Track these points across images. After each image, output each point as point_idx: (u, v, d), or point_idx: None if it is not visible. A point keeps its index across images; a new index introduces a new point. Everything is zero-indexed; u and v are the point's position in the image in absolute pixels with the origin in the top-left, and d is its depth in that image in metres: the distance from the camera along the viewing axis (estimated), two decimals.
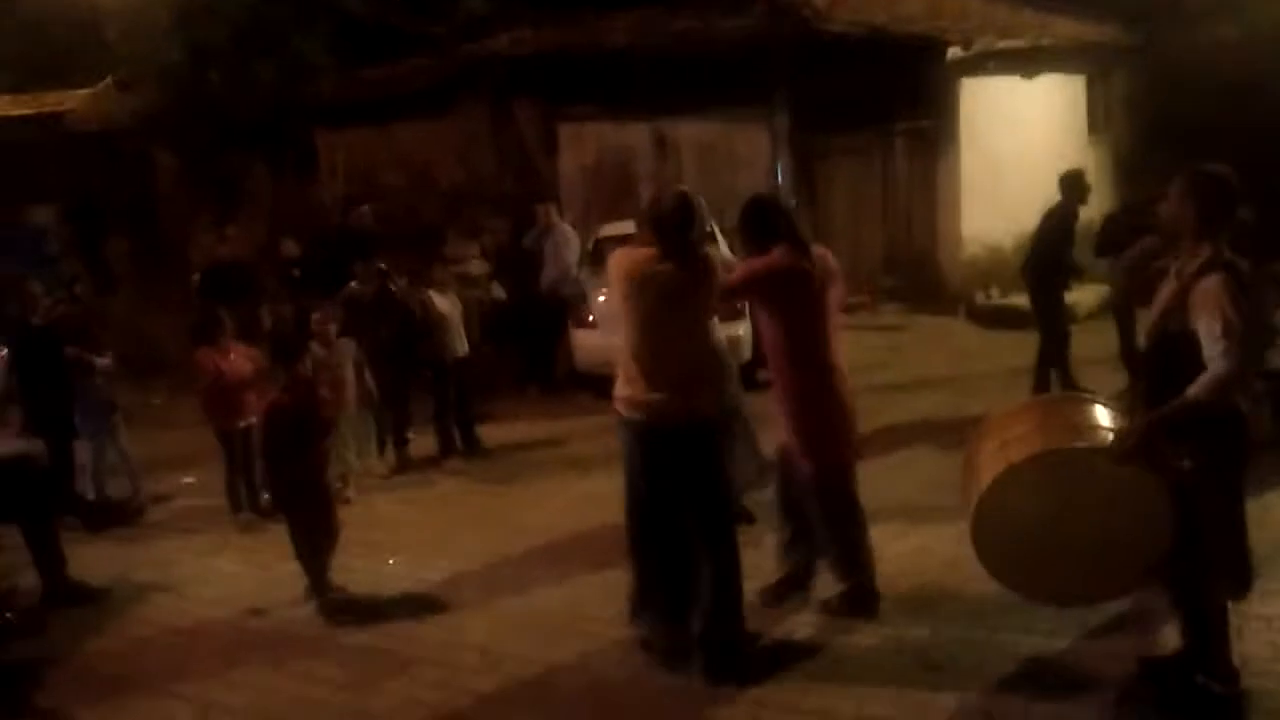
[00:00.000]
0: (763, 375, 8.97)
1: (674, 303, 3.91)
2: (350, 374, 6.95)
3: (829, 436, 4.23)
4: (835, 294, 4.28)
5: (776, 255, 4.15)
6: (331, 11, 11.92)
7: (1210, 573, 3.33)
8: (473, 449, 7.66)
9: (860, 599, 4.33)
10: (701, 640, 4.01)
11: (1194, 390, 3.17)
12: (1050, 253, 7.67)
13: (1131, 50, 12.86)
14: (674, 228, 3.92)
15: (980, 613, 4.27)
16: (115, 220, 13.49)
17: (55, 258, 11.51)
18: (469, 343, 7.77)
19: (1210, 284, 3.20)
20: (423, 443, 7.69)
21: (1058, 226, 7.65)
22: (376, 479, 7.20)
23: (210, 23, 12.13)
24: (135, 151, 13.97)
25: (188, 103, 12.37)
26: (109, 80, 14.01)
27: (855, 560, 4.33)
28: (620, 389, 4.02)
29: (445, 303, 7.56)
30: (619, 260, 4.06)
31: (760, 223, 4.27)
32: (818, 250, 4.28)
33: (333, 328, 6.88)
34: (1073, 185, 7.70)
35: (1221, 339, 3.14)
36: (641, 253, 4.00)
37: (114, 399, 6.93)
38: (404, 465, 7.44)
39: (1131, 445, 3.24)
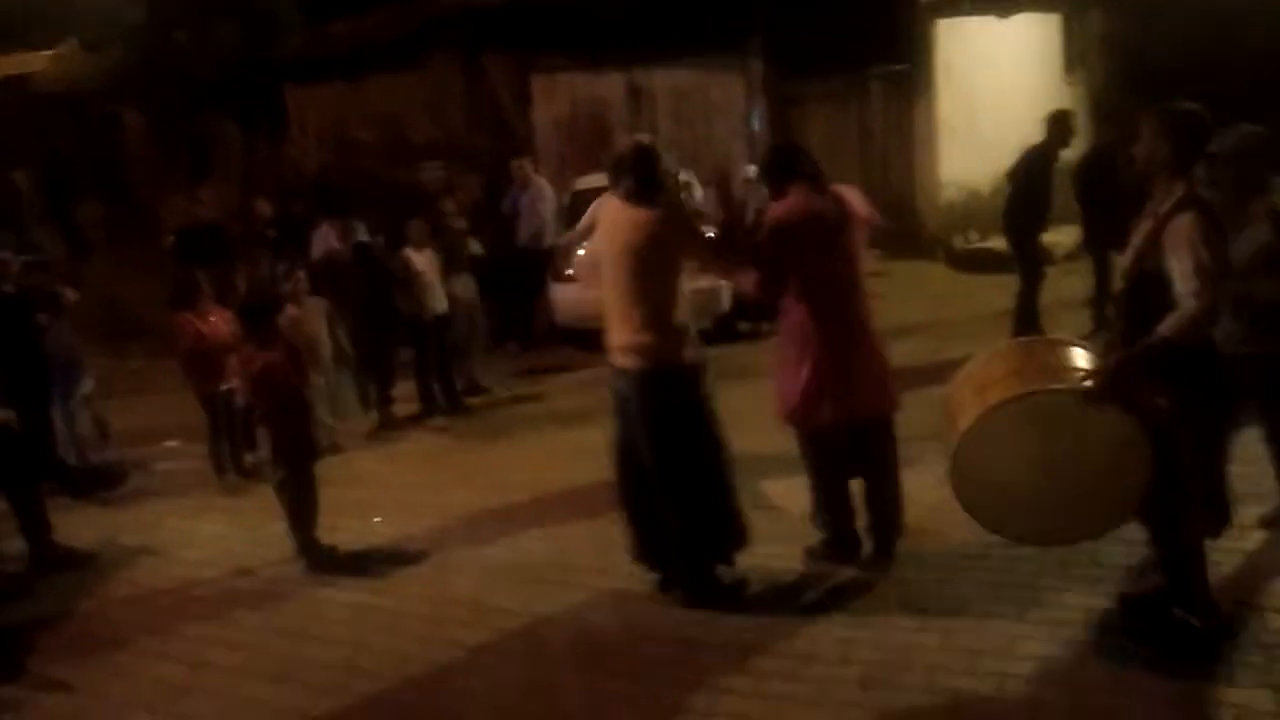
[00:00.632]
0: (744, 326, 9.07)
1: (635, 250, 3.98)
2: (323, 332, 6.91)
3: (815, 397, 4.16)
4: (862, 235, 4.22)
5: (789, 202, 4.11)
6: None
7: (1187, 510, 3.36)
8: (455, 406, 7.67)
9: (841, 545, 4.38)
10: (673, 575, 4.20)
11: (1163, 329, 3.17)
12: (1027, 193, 7.65)
13: None
14: (629, 175, 4.02)
15: (962, 555, 4.33)
16: (85, 183, 13.27)
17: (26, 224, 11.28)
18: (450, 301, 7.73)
19: (1182, 222, 3.20)
20: (407, 401, 7.68)
21: (1035, 166, 7.63)
22: (359, 437, 7.21)
23: None
24: (103, 113, 13.72)
25: (154, 62, 12.13)
26: (73, 41, 13.71)
27: (834, 508, 4.36)
28: (607, 339, 4.14)
29: (422, 260, 7.52)
30: (594, 207, 4.25)
31: (778, 168, 4.24)
32: (839, 189, 4.24)
33: (303, 286, 6.85)
34: (1056, 125, 7.68)
35: (1193, 277, 3.13)
36: (613, 203, 4.12)
37: (81, 359, 6.87)
38: (388, 423, 7.45)
39: (1103, 385, 3.23)
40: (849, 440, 4.21)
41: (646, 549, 4.31)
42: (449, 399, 7.67)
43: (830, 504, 4.35)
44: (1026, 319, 7.65)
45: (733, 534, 4.24)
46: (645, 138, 4.24)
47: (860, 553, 4.38)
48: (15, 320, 6.23)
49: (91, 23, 12.97)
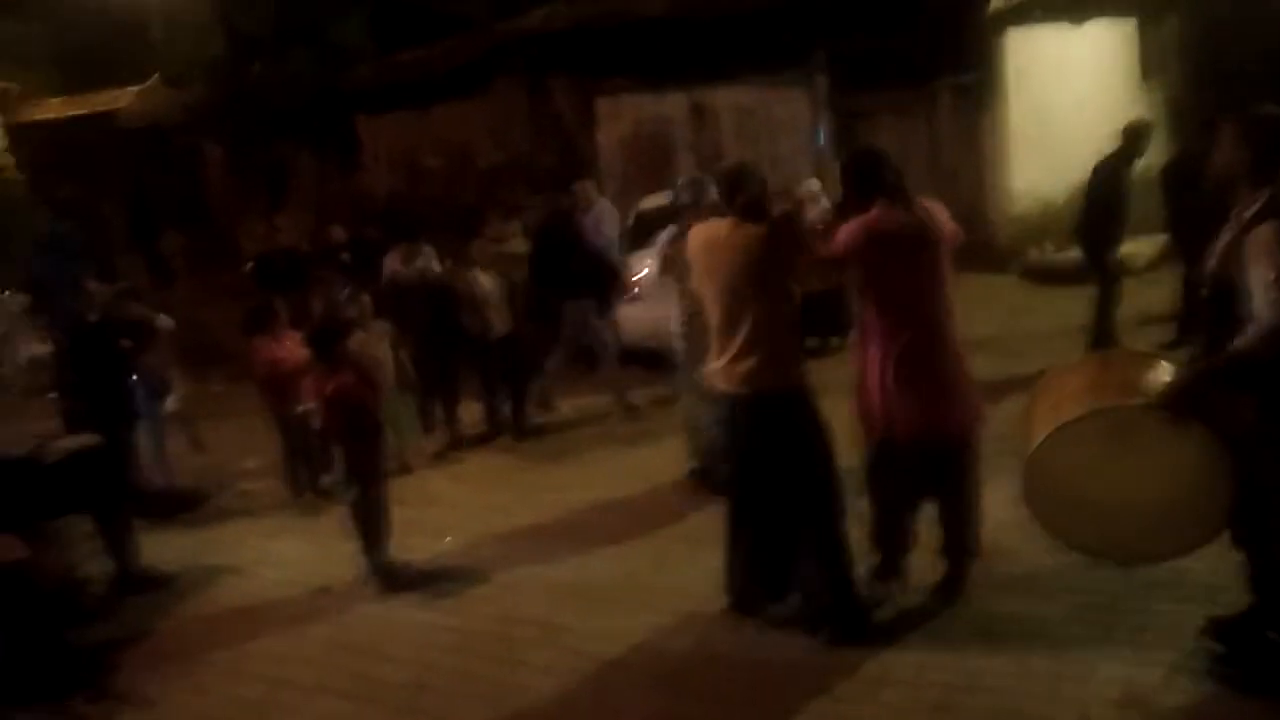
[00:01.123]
0: (812, 342, 8.94)
1: (743, 269, 3.93)
2: (387, 354, 7.01)
3: (883, 414, 4.05)
4: (946, 253, 4.05)
5: (872, 216, 3.97)
6: None
7: (1275, 529, 3.22)
8: (521, 428, 7.72)
9: (884, 567, 4.26)
10: (823, 609, 4.03)
11: (1240, 342, 3.07)
12: (1103, 205, 7.49)
13: None
14: (727, 195, 4.03)
15: (1039, 575, 4.21)
16: (168, 213, 13.76)
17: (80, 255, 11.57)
18: (515, 322, 7.79)
19: (1263, 232, 3.08)
20: (473, 421, 7.76)
21: (1110, 177, 7.47)
22: (427, 458, 7.30)
23: (250, 14, 12.26)
24: (185, 146, 14.21)
25: (232, 95, 12.54)
26: (156, 77, 14.26)
27: (888, 530, 4.24)
28: (711, 364, 4.10)
29: (487, 281, 7.60)
30: (694, 237, 4.17)
31: (861, 178, 4.09)
32: (925, 204, 4.08)
33: (368, 309, 6.97)
34: (1131, 136, 7.52)
35: (1272, 288, 3.01)
36: (713, 225, 4.09)
37: (167, 381, 7.07)
38: (455, 444, 7.53)
39: (1177, 401, 3.14)
40: (924, 460, 4.08)
41: (761, 581, 4.18)
42: (517, 420, 7.72)
43: (886, 525, 4.21)
44: (1103, 332, 7.49)
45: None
46: (739, 159, 4.26)
47: (901, 579, 4.25)
48: (101, 347, 6.46)
49: (174, 59, 13.48)
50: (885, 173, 4.06)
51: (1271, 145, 3.20)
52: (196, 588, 5.48)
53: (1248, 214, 3.18)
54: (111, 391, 6.30)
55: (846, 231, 4.01)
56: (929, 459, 4.07)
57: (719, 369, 4.04)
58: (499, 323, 7.59)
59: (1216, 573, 3.74)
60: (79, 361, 6.40)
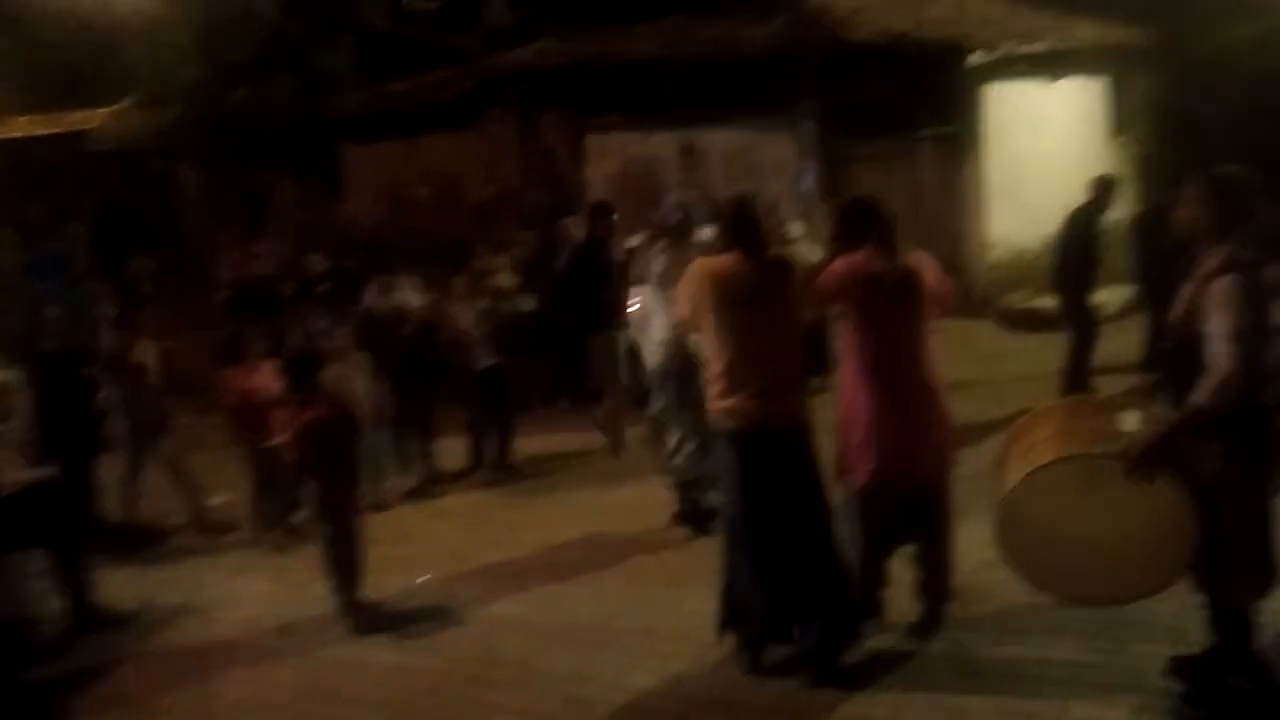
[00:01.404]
0: None
1: (759, 303, 3.95)
2: (362, 388, 6.86)
3: (860, 455, 4.09)
4: (928, 305, 4.15)
5: (859, 258, 4.08)
6: (354, 26, 11.95)
7: (1236, 573, 3.32)
8: (506, 462, 7.59)
9: (862, 609, 4.22)
10: (815, 649, 3.98)
11: (1197, 396, 3.18)
12: (1076, 253, 7.77)
13: (1152, 51, 12.80)
14: (732, 230, 4.08)
15: (1012, 616, 4.24)
16: (139, 238, 13.53)
17: (78, 278, 11.51)
18: (500, 356, 7.69)
19: (1222, 284, 3.21)
20: (453, 456, 7.62)
21: (1081, 228, 7.79)
22: (400, 495, 7.14)
23: (233, 39, 12.18)
24: (158, 169, 14.04)
25: (211, 119, 12.42)
26: (130, 99, 14.11)
27: (863, 573, 4.22)
28: (713, 400, 4.04)
29: (468, 314, 7.52)
30: (699, 270, 4.08)
31: (854, 222, 4.21)
32: (913, 258, 4.18)
33: (346, 342, 6.85)
34: (1103, 188, 7.92)
35: (1225, 341, 3.14)
36: (720, 259, 4.06)
37: (161, 415, 6.88)
38: (433, 480, 7.38)
39: (1141, 457, 3.25)
40: (900, 503, 4.16)
41: (750, 614, 4.09)
42: (503, 454, 7.59)
43: (864, 565, 4.22)
44: (1077, 378, 7.71)
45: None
46: (742, 192, 4.30)
47: (877, 619, 4.26)
48: (57, 376, 6.27)
49: (149, 80, 13.33)
50: (878, 221, 4.19)
51: (1230, 203, 3.33)
52: (156, 627, 5.27)
53: (1208, 268, 3.30)
54: (68, 422, 6.11)
55: (833, 271, 4.13)
56: (906, 500, 4.16)
57: (734, 406, 3.95)
58: (481, 356, 7.48)
59: (1181, 614, 3.80)
60: (37, 390, 6.22)
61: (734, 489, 4.04)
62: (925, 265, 4.21)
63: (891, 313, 4.08)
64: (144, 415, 6.69)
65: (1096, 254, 7.77)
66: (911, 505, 4.17)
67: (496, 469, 7.52)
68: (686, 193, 4.97)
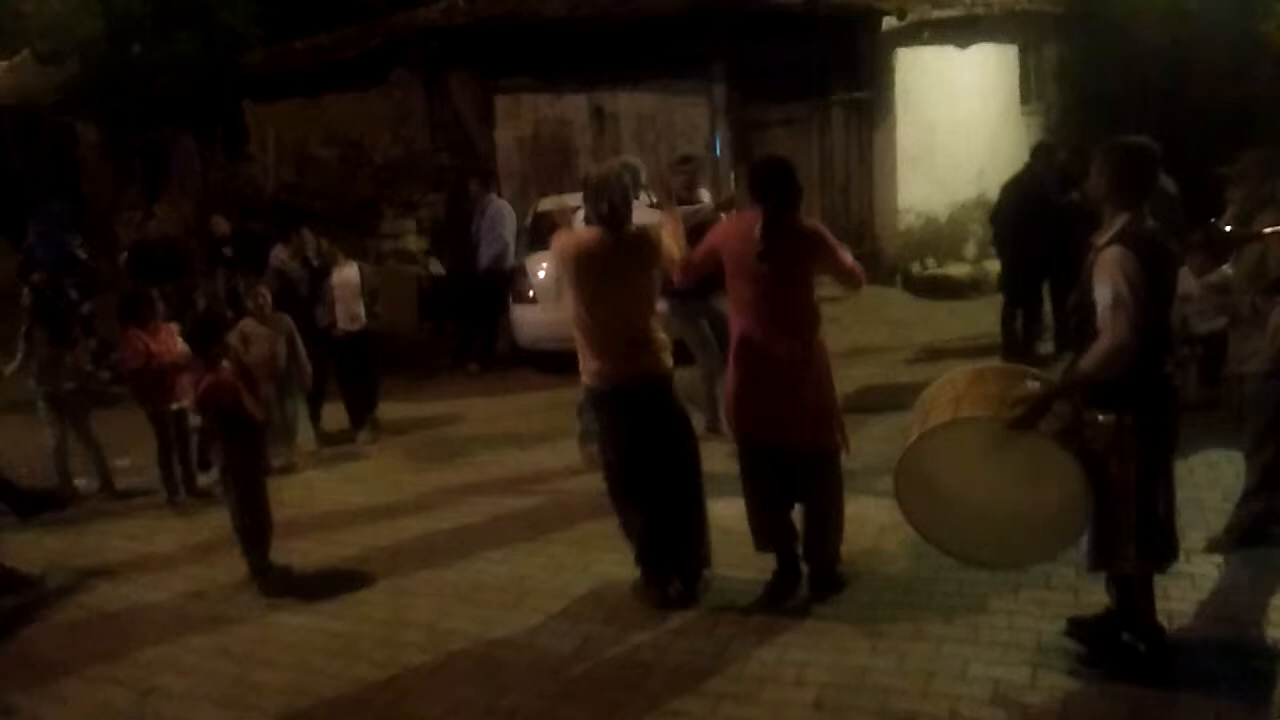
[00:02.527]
0: None
1: (614, 274, 4.20)
2: (283, 348, 6.81)
3: (731, 414, 4.38)
4: (806, 274, 4.18)
5: (736, 221, 4.22)
6: None
7: (1126, 540, 3.37)
8: (359, 423, 7.61)
9: (781, 572, 4.39)
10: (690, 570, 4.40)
11: (1084, 363, 3.26)
12: (1028, 217, 7.83)
13: (1063, 20, 13.04)
14: (592, 203, 4.27)
15: (916, 577, 4.39)
16: (38, 197, 13.04)
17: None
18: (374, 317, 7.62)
19: (1110, 254, 3.27)
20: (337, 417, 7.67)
21: (1032, 191, 7.88)
22: (306, 457, 7.13)
23: None
24: (55, 126, 13.51)
25: (109, 75, 11.95)
26: (26, 52, 13.51)
27: (764, 530, 4.38)
28: (581, 362, 4.35)
29: (339, 276, 7.40)
30: (558, 243, 4.37)
31: (760, 182, 4.19)
32: (811, 227, 4.19)
33: (265, 302, 6.76)
34: (1044, 152, 8.16)
35: (1110, 310, 3.20)
36: (578, 233, 4.32)
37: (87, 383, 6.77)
38: (320, 440, 7.43)
39: (1025, 417, 3.30)
40: (782, 465, 4.21)
41: (663, 555, 4.42)
42: (361, 414, 7.64)
43: (758, 524, 4.35)
44: (1016, 344, 8.01)
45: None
46: (610, 162, 4.44)
47: (791, 575, 4.36)
48: None
49: (46, 35, 12.78)
50: (783, 182, 4.18)
51: (1131, 173, 3.38)
52: (63, 591, 5.21)
53: (1103, 238, 3.37)
54: None
55: (712, 233, 4.32)
56: (788, 466, 4.21)
57: (597, 368, 4.28)
58: (344, 319, 7.39)
59: (1080, 576, 3.96)
60: None
61: (606, 441, 4.48)
62: (823, 237, 4.17)
63: (759, 277, 4.09)
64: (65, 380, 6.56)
65: (1045, 221, 7.71)
66: (795, 470, 4.20)
67: (373, 426, 7.57)
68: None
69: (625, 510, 4.49)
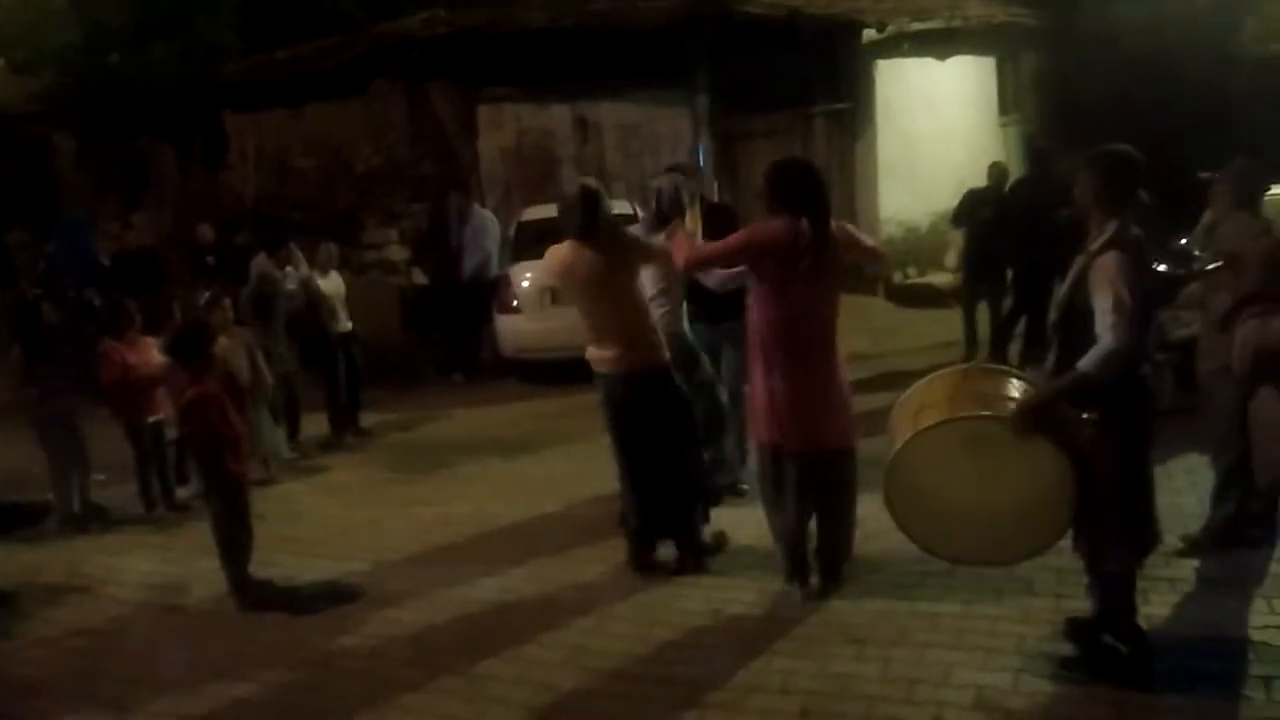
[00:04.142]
0: None
1: (594, 283, 4.57)
2: (244, 361, 6.73)
3: (755, 418, 4.43)
4: (838, 271, 4.26)
5: (778, 223, 4.15)
6: None
7: (1112, 538, 3.43)
8: (341, 431, 7.69)
9: (793, 571, 4.44)
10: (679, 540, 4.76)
11: (1083, 365, 3.30)
12: (1026, 224, 7.88)
13: (1041, 32, 13.18)
14: (570, 218, 4.56)
15: (901, 584, 4.39)
16: (14, 209, 12.91)
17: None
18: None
19: (1106, 261, 3.33)
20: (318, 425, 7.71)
21: (1030, 198, 7.95)
22: (282, 465, 7.07)
23: (109, 1, 11.64)
24: (32, 136, 13.41)
25: (87, 85, 11.86)
26: (1, 62, 13.40)
27: (785, 534, 4.42)
28: (587, 350, 4.75)
29: (328, 284, 7.62)
30: (547, 258, 4.78)
31: (774, 187, 4.26)
32: (838, 227, 4.27)
33: (228, 315, 6.72)
34: (1042, 159, 8.46)
35: (1111, 314, 3.26)
36: (562, 247, 4.65)
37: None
38: (299, 450, 7.45)
39: (1024, 417, 3.36)
40: (807, 468, 4.25)
41: (656, 525, 4.77)
42: (350, 423, 7.79)
43: (770, 521, 4.42)
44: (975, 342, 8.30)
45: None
46: (585, 181, 4.74)
47: (809, 579, 4.39)
48: None
49: (22, 44, 12.68)
50: (823, 189, 4.31)
51: (1115, 180, 3.45)
52: (39, 606, 5.13)
53: (1094, 245, 3.42)
54: None
55: (747, 235, 4.32)
56: (811, 468, 4.25)
57: (590, 355, 4.71)
58: (336, 324, 7.62)
59: (1064, 577, 4.01)
60: None
61: (607, 419, 4.80)
62: (848, 230, 4.42)
63: (797, 278, 4.13)
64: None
65: (1040, 226, 7.65)
66: (818, 471, 4.26)
67: (357, 434, 7.70)
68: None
69: (624, 486, 4.81)
